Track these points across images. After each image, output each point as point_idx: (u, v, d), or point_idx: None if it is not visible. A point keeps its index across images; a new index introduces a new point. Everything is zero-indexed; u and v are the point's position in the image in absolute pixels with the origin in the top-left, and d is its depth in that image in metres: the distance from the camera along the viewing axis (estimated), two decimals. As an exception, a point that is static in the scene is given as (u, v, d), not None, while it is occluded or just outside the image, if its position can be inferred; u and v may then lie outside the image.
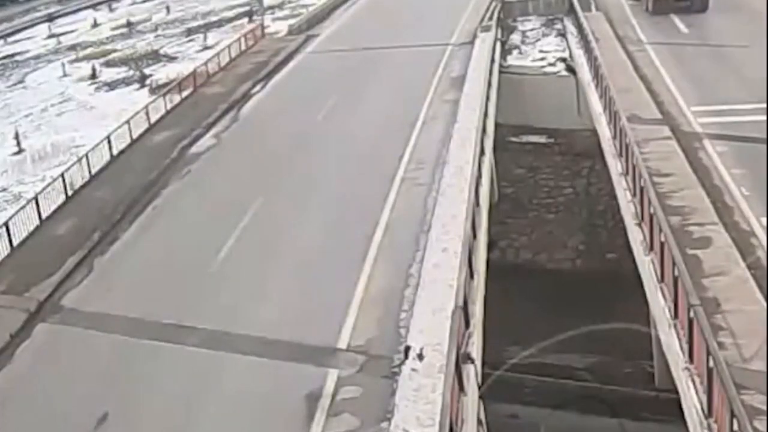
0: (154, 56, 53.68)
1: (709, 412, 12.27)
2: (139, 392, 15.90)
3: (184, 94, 36.03)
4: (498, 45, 37.96)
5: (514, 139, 35.73)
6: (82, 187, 26.73)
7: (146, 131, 31.61)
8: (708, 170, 21.08)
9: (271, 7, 62.48)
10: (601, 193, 32.96)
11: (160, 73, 48.13)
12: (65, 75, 52.93)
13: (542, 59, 38.84)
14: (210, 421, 14.75)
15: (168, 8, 70.36)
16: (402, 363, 14.72)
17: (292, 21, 51.07)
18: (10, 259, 22.33)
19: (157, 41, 58.64)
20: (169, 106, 34.26)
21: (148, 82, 47.15)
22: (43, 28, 71.54)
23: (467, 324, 14.98)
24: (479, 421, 14.41)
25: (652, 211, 17.42)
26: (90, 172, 27.46)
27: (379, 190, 22.85)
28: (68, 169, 27.21)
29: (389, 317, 16.58)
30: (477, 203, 20.05)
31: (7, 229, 22.71)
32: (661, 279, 16.20)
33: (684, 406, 13.75)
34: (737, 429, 10.72)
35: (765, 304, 14.62)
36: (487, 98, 28.34)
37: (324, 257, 19.91)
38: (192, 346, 16.95)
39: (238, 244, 21.09)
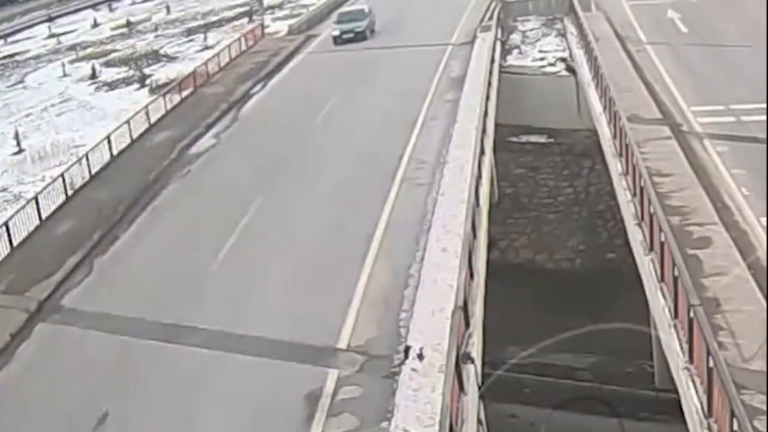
0: (154, 56, 53.71)
1: (709, 412, 12.27)
2: (139, 392, 15.90)
3: (184, 94, 36.06)
4: (498, 45, 37.96)
5: (514, 139, 35.75)
6: (82, 187, 26.76)
7: (146, 131, 31.67)
8: (708, 170, 21.08)
9: (271, 7, 62.48)
10: (601, 193, 32.97)
11: (160, 73, 48.16)
12: (65, 75, 52.97)
13: (542, 59, 38.85)
14: (210, 421, 14.75)
15: (168, 8, 70.38)
16: (402, 363, 14.71)
17: (292, 21, 51.08)
18: (10, 259, 22.37)
19: (157, 41, 58.65)
20: (169, 106, 34.29)
21: (148, 82, 47.18)
22: (43, 28, 71.59)
23: (467, 324, 14.98)
24: (479, 421, 14.41)
25: (652, 211, 17.42)
26: (90, 172, 27.51)
27: (380, 189, 22.84)
28: (68, 169, 27.28)
29: (389, 317, 16.58)
30: (477, 203, 20.05)
31: (7, 229, 22.74)
32: (661, 279, 16.20)
33: (684, 406, 13.76)
34: (737, 429, 10.71)
35: (765, 304, 14.62)
36: (487, 98, 28.33)
37: (324, 257, 19.90)
38: (192, 346, 16.96)
39: (238, 244, 21.10)
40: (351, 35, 42.05)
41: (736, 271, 15.97)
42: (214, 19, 63.68)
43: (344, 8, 47.72)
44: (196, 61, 45.20)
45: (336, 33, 42.55)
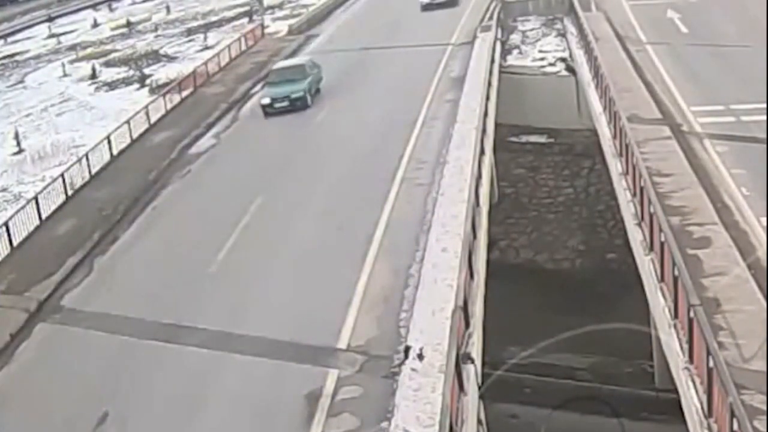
0: (154, 56, 53.76)
1: (709, 412, 12.26)
2: (139, 392, 15.91)
3: (184, 94, 36.07)
4: (498, 45, 37.96)
5: (514, 139, 35.76)
6: (82, 187, 26.77)
7: (146, 131, 31.69)
8: (708, 170, 21.08)
9: (271, 7, 62.54)
10: (601, 193, 32.98)
11: (160, 73, 48.21)
12: (65, 75, 53.03)
13: (542, 59, 38.87)
14: (210, 422, 14.74)
15: (168, 8, 70.45)
16: (402, 363, 14.70)
17: (292, 21, 51.11)
18: (10, 259, 22.38)
19: (157, 41, 58.71)
20: (169, 106, 34.30)
21: (148, 82, 47.23)
22: (43, 28, 71.66)
23: (467, 324, 14.97)
24: (479, 421, 14.41)
25: (652, 211, 17.41)
26: (90, 172, 27.53)
27: (379, 190, 22.83)
28: (68, 169, 27.30)
29: (389, 317, 16.57)
30: (477, 203, 20.04)
31: (7, 229, 22.75)
32: (661, 279, 16.19)
33: (684, 406, 13.75)
34: (737, 429, 10.71)
35: (765, 304, 14.62)
36: (487, 98, 28.32)
37: (324, 257, 19.90)
38: (192, 346, 16.95)
39: (237, 244, 21.10)
40: (285, 104, 31.34)
41: (736, 271, 15.96)
42: (214, 19, 63.75)
43: (279, 64, 36.62)
44: (196, 61, 45.24)
45: (266, 101, 31.63)
